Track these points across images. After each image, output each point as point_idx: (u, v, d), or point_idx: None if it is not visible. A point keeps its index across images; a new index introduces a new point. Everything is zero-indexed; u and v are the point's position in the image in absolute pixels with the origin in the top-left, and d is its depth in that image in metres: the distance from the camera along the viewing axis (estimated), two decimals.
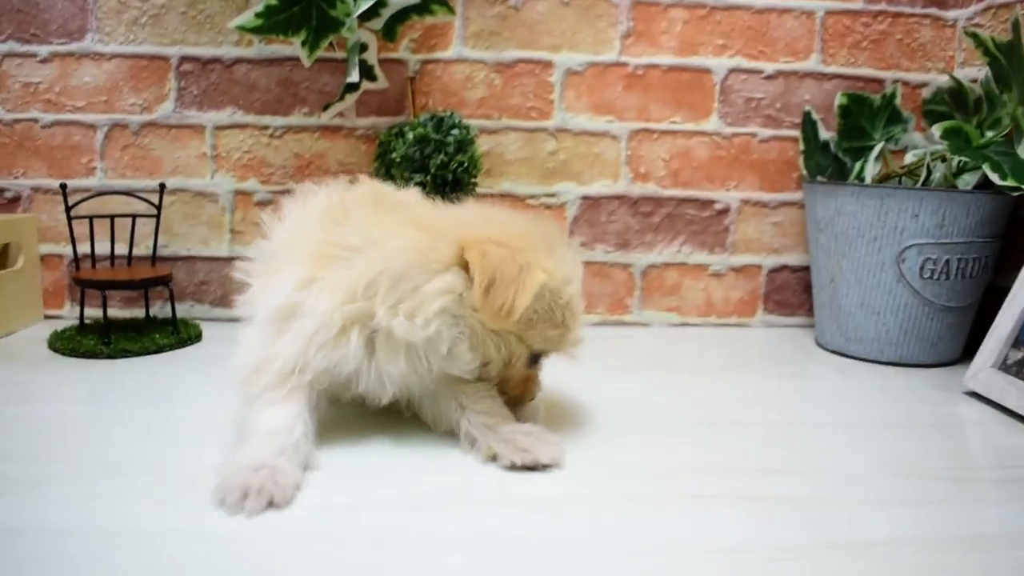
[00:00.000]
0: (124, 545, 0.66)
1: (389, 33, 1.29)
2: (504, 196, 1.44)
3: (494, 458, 0.83)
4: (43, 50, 1.39)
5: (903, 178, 1.31)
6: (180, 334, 1.28)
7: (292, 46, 1.36)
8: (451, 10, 1.28)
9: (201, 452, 0.84)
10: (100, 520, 0.70)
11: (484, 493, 0.78)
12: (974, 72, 1.41)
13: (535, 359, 0.90)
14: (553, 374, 1.18)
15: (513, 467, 0.81)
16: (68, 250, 1.43)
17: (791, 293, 1.51)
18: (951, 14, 1.44)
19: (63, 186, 1.29)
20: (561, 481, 0.80)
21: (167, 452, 0.85)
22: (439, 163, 1.22)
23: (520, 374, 0.90)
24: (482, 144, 1.40)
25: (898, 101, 1.37)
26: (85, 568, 0.62)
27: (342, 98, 1.30)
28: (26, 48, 1.39)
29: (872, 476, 0.85)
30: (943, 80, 1.40)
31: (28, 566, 0.62)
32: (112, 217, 1.32)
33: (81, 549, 0.65)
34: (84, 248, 1.36)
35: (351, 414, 0.94)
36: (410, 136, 1.23)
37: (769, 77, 1.44)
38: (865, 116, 1.38)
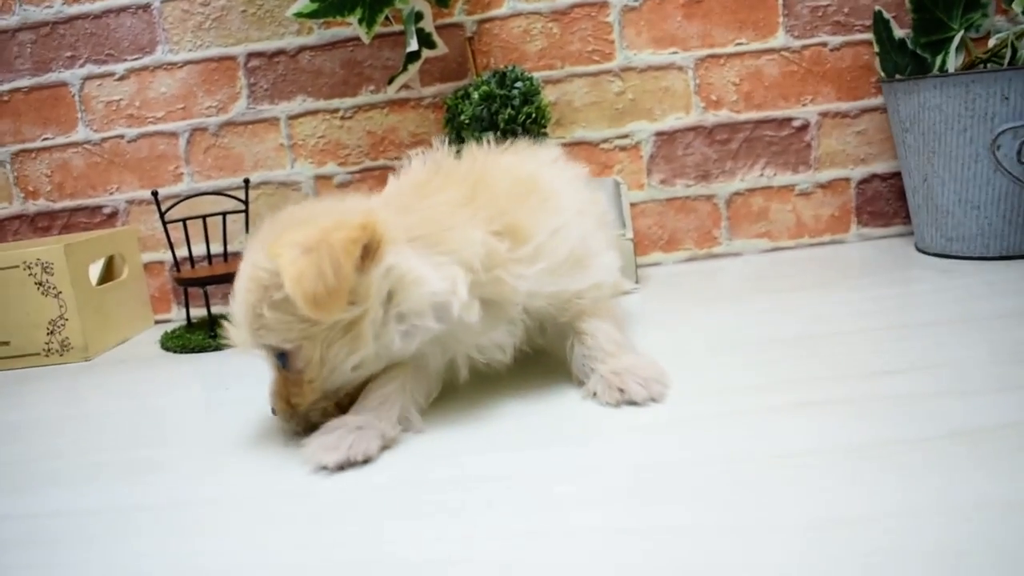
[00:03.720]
0: (235, 506, 0.70)
1: None
2: (578, 144, 1.43)
3: (595, 395, 0.83)
4: (119, 68, 1.45)
5: (987, 63, 1.25)
6: None
7: (350, 27, 1.38)
8: None
9: None
10: (214, 490, 0.75)
11: (585, 425, 0.79)
12: None
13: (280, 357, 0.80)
14: (644, 310, 1.18)
15: (608, 405, 0.82)
16: (167, 255, 1.49)
17: (884, 202, 1.46)
18: None
19: (155, 193, 1.34)
20: (662, 407, 0.80)
21: (275, 426, 0.89)
22: (507, 117, 1.23)
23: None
24: (549, 94, 1.40)
25: None
26: (208, 529, 0.67)
27: (405, 69, 1.31)
28: (104, 68, 1.45)
29: (989, 365, 0.82)
30: None
31: (158, 533, 0.67)
32: (204, 217, 1.37)
33: (197, 515, 0.70)
34: (182, 251, 1.42)
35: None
36: (475, 96, 1.24)
37: None
38: (940, 7, 1.32)
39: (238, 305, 0.79)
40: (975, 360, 0.84)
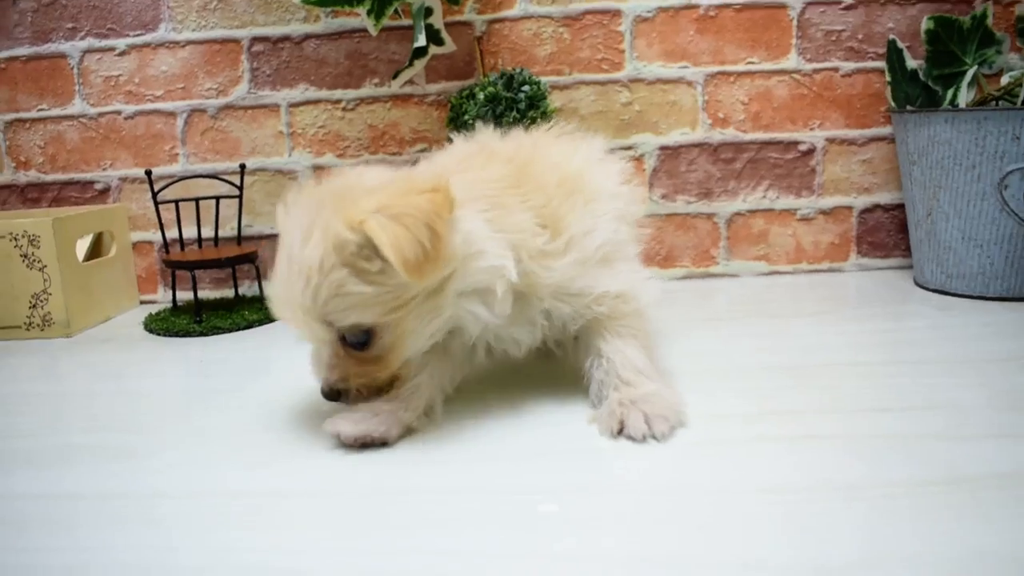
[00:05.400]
0: (218, 503, 0.68)
1: None
2: None
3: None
4: (121, 43, 1.43)
5: (1000, 101, 1.24)
6: (268, 310, 1.30)
7: (358, 17, 1.36)
8: None
9: (290, 418, 0.86)
10: (195, 482, 0.72)
11: (573, 445, 0.77)
12: None
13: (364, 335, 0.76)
14: None
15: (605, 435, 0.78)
16: (157, 236, 1.47)
17: (885, 233, 1.45)
18: None
19: (148, 172, 1.32)
20: None
21: (258, 419, 0.87)
22: (511, 120, 1.21)
23: None
24: (555, 100, 1.38)
25: (990, 21, 1.29)
26: (182, 524, 0.64)
27: (411, 64, 1.29)
28: (105, 43, 1.43)
29: (987, 410, 0.80)
30: None
31: (130, 525, 0.65)
32: (197, 200, 1.35)
33: (178, 508, 0.67)
34: (172, 233, 1.40)
35: None
36: (481, 97, 1.22)
37: (849, 7, 1.38)
38: (955, 40, 1.30)
39: (305, 291, 0.71)
40: (973, 403, 0.82)
